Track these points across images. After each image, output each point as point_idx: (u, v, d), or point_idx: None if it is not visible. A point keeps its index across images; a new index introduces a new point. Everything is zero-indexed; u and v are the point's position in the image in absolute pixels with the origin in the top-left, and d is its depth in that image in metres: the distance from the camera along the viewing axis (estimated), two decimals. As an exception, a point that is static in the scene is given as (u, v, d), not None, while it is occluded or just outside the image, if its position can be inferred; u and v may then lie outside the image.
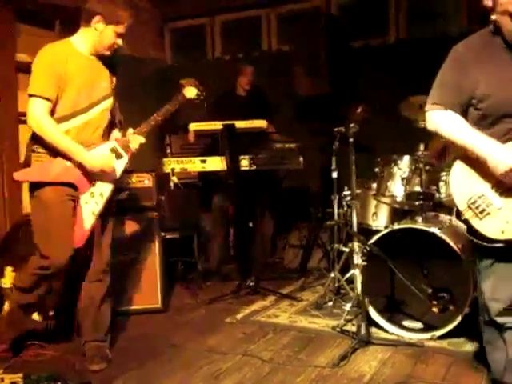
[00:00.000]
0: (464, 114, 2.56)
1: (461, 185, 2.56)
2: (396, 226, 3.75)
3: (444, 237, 3.55)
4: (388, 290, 3.77)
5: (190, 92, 3.73)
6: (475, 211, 2.50)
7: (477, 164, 2.51)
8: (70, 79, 3.11)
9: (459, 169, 2.57)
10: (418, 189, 3.81)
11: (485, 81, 2.50)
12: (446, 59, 2.63)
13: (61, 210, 3.15)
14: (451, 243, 3.53)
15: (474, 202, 2.50)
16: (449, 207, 3.99)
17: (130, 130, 3.43)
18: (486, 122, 2.52)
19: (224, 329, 3.99)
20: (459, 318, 3.53)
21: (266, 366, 3.34)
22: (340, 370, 3.27)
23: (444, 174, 3.79)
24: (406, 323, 3.72)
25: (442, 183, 3.79)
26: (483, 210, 2.49)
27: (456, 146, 2.56)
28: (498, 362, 2.63)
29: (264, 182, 5.15)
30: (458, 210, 2.56)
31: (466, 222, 2.54)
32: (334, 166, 4.39)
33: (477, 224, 2.50)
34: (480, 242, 2.53)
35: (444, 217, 3.96)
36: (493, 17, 2.54)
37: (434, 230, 3.59)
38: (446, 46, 5.33)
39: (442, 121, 2.56)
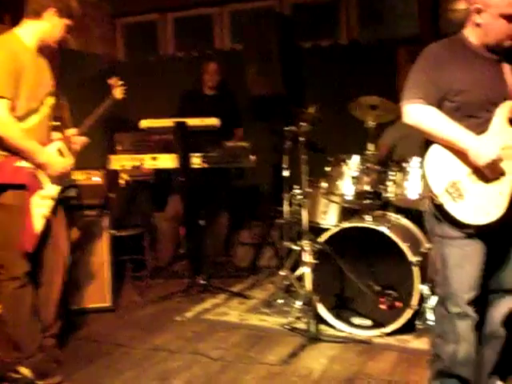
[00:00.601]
0: (439, 107, 2.60)
1: (437, 169, 2.58)
2: (345, 225, 3.80)
3: (392, 235, 3.61)
4: (337, 288, 3.82)
5: (119, 92, 3.72)
6: (451, 196, 2.53)
7: (453, 150, 2.57)
8: (23, 76, 2.98)
9: (436, 154, 2.60)
10: (367, 188, 3.85)
11: (460, 78, 2.58)
12: (417, 59, 2.67)
13: (15, 214, 3.04)
14: (399, 241, 3.59)
15: (451, 187, 2.54)
16: (396, 206, 4.06)
17: (72, 131, 3.37)
18: (459, 114, 2.58)
19: (173, 327, 3.98)
20: (406, 315, 3.60)
21: (215, 365, 3.34)
22: (290, 367, 3.31)
23: (392, 173, 3.85)
24: (354, 320, 3.77)
25: (390, 182, 3.84)
26: (459, 195, 2.53)
27: (436, 139, 2.58)
28: (450, 354, 2.67)
29: (216, 180, 5.14)
30: (431, 193, 2.56)
31: (439, 206, 2.55)
32: (285, 164, 4.42)
33: (451, 208, 2.53)
34: (452, 226, 2.57)
35: (392, 215, 4.03)
36: (478, 20, 2.58)
37: (382, 228, 3.66)
38: (395, 49, 5.47)
39: (422, 115, 2.59)
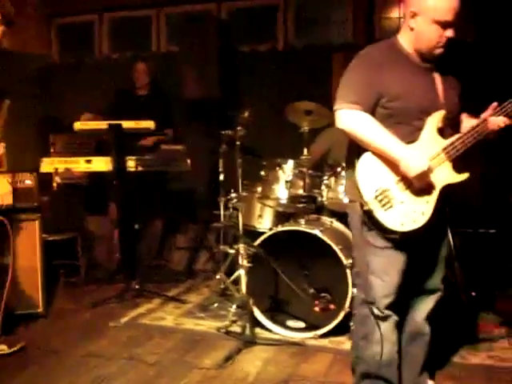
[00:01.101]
0: (372, 113, 2.61)
1: (368, 176, 2.60)
2: (280, 228, 3.84)
3: (325, 238, 3.67)
4: (272, 291, 3.85)
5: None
6: (380, 203, 2.57)
7: (384, 159, 2.60)
8: None
9: (367, 161, 2.61)
10: (301, 192, 3.90)
11: (396, 83, 2.59)
12: (354, 62, 2.66)
13: None
14: (332, 244, 3.65)
15: (380, 194, 2.57)
16: (330, 210, 4.12)
17: None
18: (392, 121, 2.60)
19: (108, 333, 3.92)
20: (339, 317, 3.67)
21: (150, 370, 3.31)
22: (225, 370, 3.31)
23: (326, 178, 3.91)
24: (289, 323, 3.81)
25: (323, 187, 3.91)
26: (387, 203, 2.57)
27: (367, 146, 2.59)
28: (373, 356, 2.72)
29: (151, 183, 5.09)
30: (361, 200, 2.58)
31: (368, 212, 2.58)
32: (221, 168, 4.43)
33: (380, 215, 2.57)
34: (380, 232, 2.61)
35: (326, 219, 4.09)
36: (412, 24, 2.61)
37: (315, 231, 3.71)
38: (330, 55, 5.56)
39: (357, 122, 2.58)
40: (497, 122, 2.66)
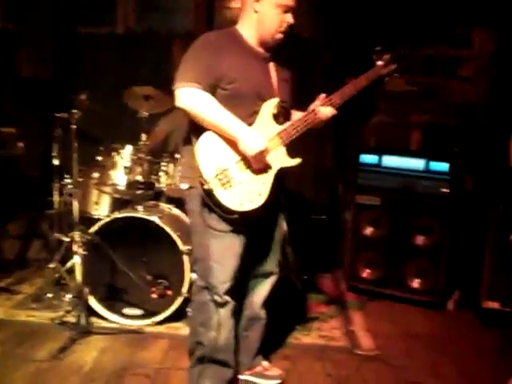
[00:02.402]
0: (212, 94, 2.61)
1: (208, 155, 2.60)
2: (117, 215, 3.76)
3: (163, 225, 3.66)
4: (109, 279, 3.77)
5: None
6: (220, 182, 2.58)
7: (224, 138, 2.62)
8: None
9: (207, 140, 2.62)
10: (139, 178, 3.85)
11: (234, 66, 2.63)
12: (194, 44, 2.67)
13: None
14: (170, 231, 3.65)
15: (220, 174, 2.59)
16: (168, 196, 4.11)
17: None
18: (231, 102, 2.63)
19: None
20: (177, 303, 3.68)
21: (-22, 365, 3.13)
22: (60, 362, 3.22)
23: (164, 164, 3.89)
24: (126, 311, 3.76)
25: (162, 173, 3.89)
26: (227, 182, 2.59)
27: (207, 125, 2.60)
28: (211, 340, 2.77)
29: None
30: (201, 179, 2.58)
31: (208, 191, 2.59)
32: (55, 153, 4.24)
33: (220, 195, 2.58)
34: (220, 212, 2.63)
35: (164, 206, 4.08)
36: (257, 7, 2.67)
37: (153, 218, 3.68)
38: (170, 42, 5.53)
39: (197, 99, 2.57)
40: (325, 112, 2.79)
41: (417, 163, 4.54)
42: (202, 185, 2.60)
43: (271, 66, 2.80)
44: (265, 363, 3.18)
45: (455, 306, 4.54)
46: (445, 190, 4.42)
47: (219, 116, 2.58)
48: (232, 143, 2.62)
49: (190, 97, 2.58)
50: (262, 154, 2.62)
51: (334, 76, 5.12)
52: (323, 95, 2.82)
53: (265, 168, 2.68)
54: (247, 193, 2.64)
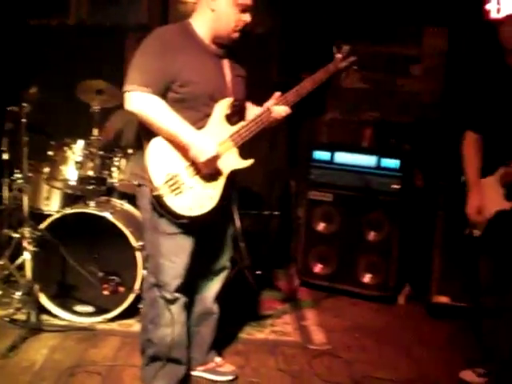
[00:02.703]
0: (163, 97, 2.58)
1: (158, 161, 2.57)
2: (68, 211, 3.71)
3: (115, 221, 3.62)
4: (60, 276, 3.72)
5: None
6: (170, 188, 2.56)
7: (174, 144, 2.59)
8: None
9: (157, 146, 2.59)
10: (91, 173, 3.80)
11: (188, 68, 2.59)
12: (145, 43, 2.62)
13: None
14: (122, 227, 3.62)
15: (170, 180, 2.56)
16: (121, 192, 4.07)
17: None
18: (182, 105, 2.60)
19: None
20: (129, 300, 3.66)
21: None
22: (10, 360, 3.16)
23: (116, 159, 3.85)
24: (77, 308, 3.72)
25: (114, 168, 3.85)
26: (177, 188, 2.57)
27: (157, 130, 2.57)
28: (163, 338, 2.76)
29: None
30: (151, 185, 2.56)
31: (157, 198, 2.57)
32: (4, 147, 4.14)
33: (169, 201, 2.56)
34: (170, 217, 2.62)
35: (116, 201, 4.04)
36: (213, 6, 2.64)
37: (105, 214, 3.64)
38: (124, 35, 5.46)
39: (146, 104, 2.53)
40: (279, 111, 2.80)
41: (368, 160, 4.61)
42: (152, 191, 2.58)
43: (225, 62, 2.77)
44: (218, 359, 3.18)
45: (406, 300, 4.64)
46: (396, 186, 4.51)
47: (169, 122, 2.55)
48: (182, 148, 2.59)
49: (140, 101, 2.54)
50: (212, 160, 2.60)
51: (288, 72, 5.16)
52: (278, 93, 2.82)
53: (216, 172, 2.68)
54: (198, 197, 2.63)
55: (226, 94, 2.70)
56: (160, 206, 2.61)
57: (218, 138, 2.66)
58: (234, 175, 2.76)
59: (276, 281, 4.79)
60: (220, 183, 2.69)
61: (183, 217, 2.61)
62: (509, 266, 3.02)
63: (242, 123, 2.76)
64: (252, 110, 2.89)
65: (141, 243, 3.56)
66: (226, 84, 2.74)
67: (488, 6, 4.98)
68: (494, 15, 4.85)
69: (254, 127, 2.74)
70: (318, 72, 2.89)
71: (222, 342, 3.35)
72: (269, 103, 2.81)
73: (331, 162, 4.70)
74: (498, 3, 4.94)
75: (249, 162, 2.75)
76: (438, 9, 5.25)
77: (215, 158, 2.61)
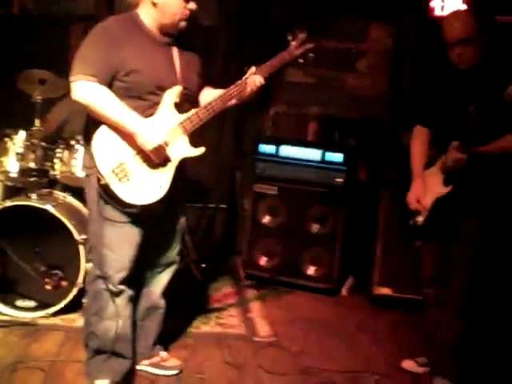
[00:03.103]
0: (109, 86, 2.56)
1: (105, 150, 2.55)
2: (8, 203, 3.61)
3: (57, 213, 3.55)
4: (1, 270, 3.62)
5: None
6: (117, 177, 2.54)
7: (121, 132, 2.57)
8: None
9: (104, 134, 2.57)
10: (32, 165, 3.71)
11: (133, 58, 2.58)
12: (92, 34, 2.60)
13: None
14: (65, 220, 3.55)
15: (117, 168, 2.54)
16: (63, 184, 3.99)
17: None
18: (128, 94, 2.59)
19: None
20: (72, 294, 3.60)
21: None
22: None
23: (59, 150, 3.78)
24: (19, 303, 3.63)
25: (56, 160, 3.77)
26: (124, 176, 2.55)
27: (104, 119, 2.55)
28: (106, 331, 2.73)
29: None
30: (98, 173, 2.54)
31: (105, 186, 2.55)
32: None
33: (117, 189, 2.54)
34: (117, 206, 2.59)
35: (58, 194, 3.94)
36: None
37: (47, 206, 3.56)
38: (69, 24, 5.35)
39: (94, 93, 2.51)
40: (254, 80, 2.80)
41: (313, 153, 4.66)
42: (99, 180, 2.56)
43: (175, 51, 2.76)
44: (163, 353, 3.16)
45: (349, 291, 4.72)
46: (340, 179, 4.57)
47: (115, 111, 2.54)
48: (130, 136, 2.58)
49: (86, 91, 2.52)
50: (160, 148, 2.59)
51: (234, 63, 5.17)
52: (253, 67, 2.83)
53: (165, 160, 2.66)
54: (146, 186, 2.62)
55: (175, 83, 2.69)
56: (108, 195, 2.59)
57: (167, 126, 2.65)
58: (184, 165, 2.75)
59: (222, 274, 4.79)
60: (170, 171, 2.68)
61: (131, 205, 2.59)
62: (450, 255, 3.11)
63: (193, 111, 2.74)
64: (212, 93, 2.88)
65: (84, 236, 3.50)
66: (175, 73, 2.72)
67: (432, 4, 5.09)
68: (438, 12, 4.96)
69: (204, 114, 2.72)
70: (275, 58, 2.89)
71: (167, 336, 3.33)
72: (244, 77, 2.81)
73: (276, 155, 4.73)
74: (442, 1, 5.06)
75: (200, 150, 2.75)
76: (384, 5, 5.34)
77: (163, 147, 2.60)
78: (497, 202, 3.04)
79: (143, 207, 2.61)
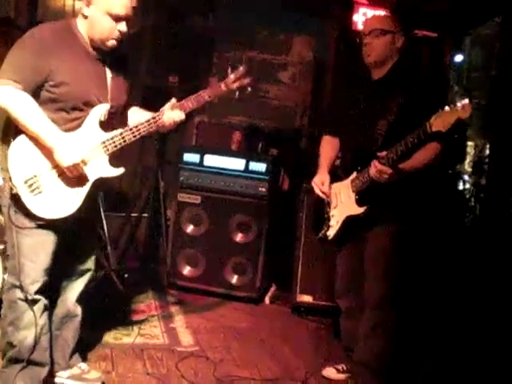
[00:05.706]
0: (34, 95, 2.51)
1: (20, 160, 2.51)
2: None
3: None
4: None
5: None
6: (29, 188, 2.51)
7: (38, 144, 2.53)
8: None
9: (21, 144, 2.52)
10: None
11: (64, 69, 2.53)
12: (24, 39, 2.55)
13: None
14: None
15: (30, 179, 2.51)
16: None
17: None
18: (54, 106, 2.55)
19: None
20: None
21: None
22: None
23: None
24: None
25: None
26: (36, 188, 2.52)
27: (22, 127, 2.50)
28: (23, 340, 2.68)
29: None
30: (10, 183, 2.50)
31: (15, 196, 2.51)
32: None
33: (27, 201, 2.51)
34: (24, 217, 2.56)
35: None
36: (86, 12, 2.59)
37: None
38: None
39: (15, 100, 2.45)
40: (172, 115, 2.79)
41: (237, 163, 4.69)
42: (11, 189, 2.52)
43: (106, 68, 2.72)
44: (83, 366, 3.10)
45: (271, 300, 4.77)
46: (263, 189, 4.62)
47: (35, 121, 2.50)
48: (48, 149, 2.54)
49: (7, 96, 2.47)
50: (77, 165, 2.57)
51: (157, 74, 5.16)
52: (174, 100, 2.82)
53: (82, 177, 2.64)
54: (58, 200, 2.60)
55: (103, 99, 2.67)
56: (18, 205, 2.55)
57: (88, 144, 2.63)
58: (102, 182, 2.72)
59: (144, 284, 4.74)
60: (84, 189, 2.66)
61: (40, 218, 2.57)
62: (360, 267, 3.20)
63: (118, 131, 2.71)
64: (138, 115, 2.86)
65: (2, 246, 3.40)
66: (105, 89, 2.70)
67: (355, 18, 5.25)
68: (359, 26, 5.10)
69: (128, 136, 2.69)
70: (211, 88, 2.91)
71: (88, 347, 3.29)
72: (164, 107, 2.79)
73: (200, 164, 4.74)
74: (364, 15, 5.22)
75: (119, 171, 2.73)
76: (307, 19, 5.47)
77: (79, 165, 2.58)
78: (406, 211, 3.16)
79: (51, 221, 2.59)
